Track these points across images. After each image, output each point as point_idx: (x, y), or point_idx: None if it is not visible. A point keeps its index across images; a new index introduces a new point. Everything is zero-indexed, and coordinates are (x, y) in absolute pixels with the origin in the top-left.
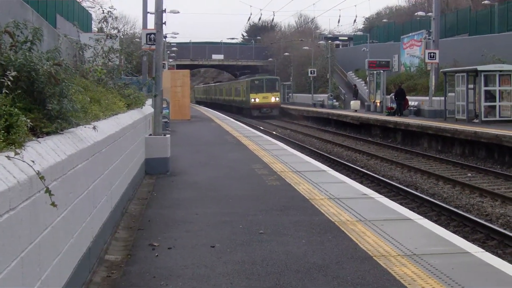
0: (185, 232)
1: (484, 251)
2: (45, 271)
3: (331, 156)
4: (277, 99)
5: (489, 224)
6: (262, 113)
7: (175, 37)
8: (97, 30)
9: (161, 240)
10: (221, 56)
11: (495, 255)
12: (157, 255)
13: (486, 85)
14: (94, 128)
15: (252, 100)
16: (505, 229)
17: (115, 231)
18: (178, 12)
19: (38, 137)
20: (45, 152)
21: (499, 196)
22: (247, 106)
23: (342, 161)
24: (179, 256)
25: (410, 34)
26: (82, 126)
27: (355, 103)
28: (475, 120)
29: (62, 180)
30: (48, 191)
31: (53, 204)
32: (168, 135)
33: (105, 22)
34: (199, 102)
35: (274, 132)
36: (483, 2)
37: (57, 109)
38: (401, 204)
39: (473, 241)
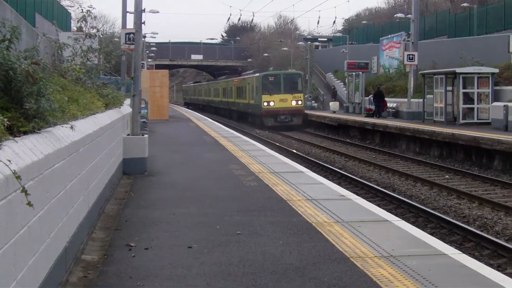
0: (162, 233)
1: (461, 252)
2: (21, 271)
3: (309, 157)
4: (300, 102)
5: (466, 226)
6: (279, 122)
7: (155, 37)
8: (76, 29)
9: (138, 241)
10: (200, 56)
11: (472, 257)
12: (134, 256)
13: (464, 87)
14: (71, 127)
15: (265, 104)
16: (482, 231)
17: (92, 231)
18: (157, 12)
19: (15, 136)
20: (22, 151)
21: (477, 198)
22: (257, 112)
23: (320, 162)
24: (156, 257)
25: (389, 36)
26: (60, 126)
27: (334, 104)
28: (457, 122)
29: (39, 180)
30: (24, 190)
31: (29, 203)
32: (146, 135)
33: (84, 22)
34: (188, 104)
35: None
36: (462, 5)
37: (35, 108)
38: (378, 205)
39: (450, 242)
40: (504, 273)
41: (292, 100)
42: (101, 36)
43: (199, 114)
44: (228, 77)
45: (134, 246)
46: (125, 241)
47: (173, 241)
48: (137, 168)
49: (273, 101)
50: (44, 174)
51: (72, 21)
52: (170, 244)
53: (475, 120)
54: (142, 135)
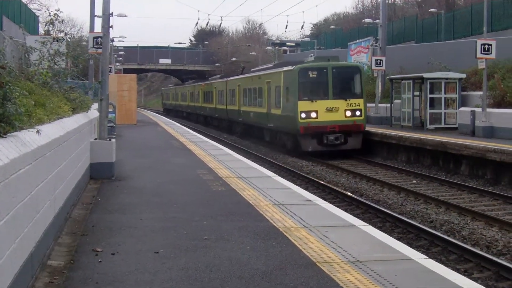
0: (129, 238)
1: (427, 258)
2: None
3: (276, 162)
4: (359, 113)
5: (433, 231)
6: (325, 145)
7: (123, 41)
8: (43, 32)
9: (104, 246)
10: (168, 61)
11: (438, 262)
12: (100, 261)
13: (431, 92)
14: (37, 132)
15: (303, 115)
16: (448, 235)
17: (59, 236)
18: (125, 16)
19: None
20: None
21: (444, 203)
22: (287, 129)
23: (287, 167)
24: (122, 262)
25: (357, 40)
26: (26, 130)
27: None
28: (424, 127)
29: (4, 185)
30: None
31: None
32: (113, 140)
33: (51, 25)
34: (169, 111)
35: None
36: (430, 10)
37: (0, 112)
38: (345, 210)
39: (417, 247)
40: (471, 278)
41: (346, 110)
42: (68, 39)
43: (167, 119)
44: (222, 76)
45: (100, 251)
46: (92, 247)
47: (140, 246)
48: (104, 173)
49: (316, 112)
50: (9, 178)
51: (39, 24)
52: (137, 249)
53: (443, 125)
54: (110, 140)
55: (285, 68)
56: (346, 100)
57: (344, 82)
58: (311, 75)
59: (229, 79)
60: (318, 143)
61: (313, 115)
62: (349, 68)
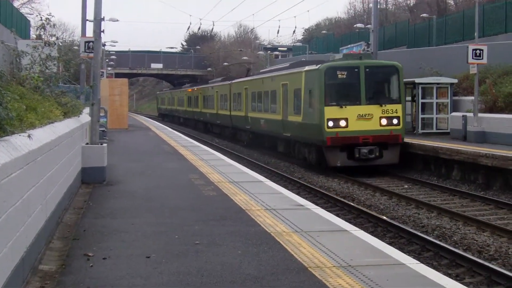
0: (120, 242)
1: (419, 262)
2: None
3: (268, 167)
4: (396, 121)
5: (425, 235)
6: (357, 159)
7: (114, 45)
8: (35, 37)
9: (96, 250)
10: (160, 65)
11: (430, 267)
12: (91, 265)
13: (423, 97)
14: (29, 136)
15: (330, 124)
16: (440, 240)
17: (50, 240)
18: (117, 21)
19: None
20: None
21: (435, 208)
22: (313, 140)
23: (279, 172)
24: (114, 266)
25: (349, 45)
26: (17, 134)
27: None
28: (416, 132)
29: None
30: None
31: None
32: (105, 144)
33: (43, 29)
34: (165, 116)
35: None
36: (421, 15)
37: None
38: (337, 215)
39: (409, 252)
40: (462, 283)
41: (381, 118)
42: (60, 44)
43: (159, 123)
44: (225, 79)
45: (92, 256)
46: (83, 251)
47: (131, 250)
48: (96, 177)
49: (346, 119)
50: (1, 183)
51: (31, 28)
52: (128, 254)
53: (434, 130)
54: (101, 144)
55: (307, 68)
56: (381, 106)
57: (379, 84)
58: (340, 76)
59: (233, 81)
60: (347, 158)
61: (342, 123)
62: (385, 68)
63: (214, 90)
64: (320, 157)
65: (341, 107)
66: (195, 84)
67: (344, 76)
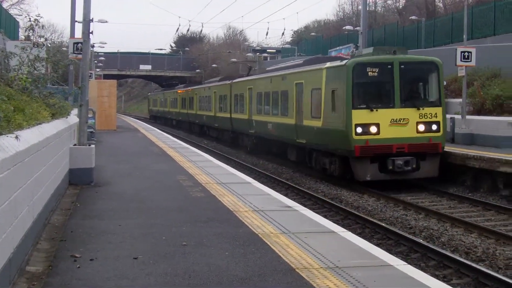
0: (107, 244)
1: (406, 264)
2: None
3: (256, 168)
4: (435, 127)
5: (413, 237)
6: (390, 172)
7: (103, 47)
8: (23, 38)
9: (83, 252)
10: (148, 67)
11: (417, 268)
12: (79, 267)
13: None
14: (16, 137)
15: (358, 130)
16: (428, 242)
17: (37, 242)
18: (106, 22)
19: None
20: None
21: (423, 209)
22: (337, 149)
23: (267, 174)
24: (101, 268)
25: (338, 47)
26: (5, 135)
27: None
28: None
29: None
30: None
31: None
32: (93, 145)
33: (31, 30)
34: (156, 118)
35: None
36: (410, 18)
37: None
38: (325, 216)
39: (397, 254)
40: (450, 284)
41: (418, 123)
42: (49, 45)
43: (147, 125)
44: (224, 79)
45: (79, 257)
46: (70, 252)
47: (118, 252)
48: (83, 179)
49: (377, 125)
50: None
51: (20, 29)
52: (115, 255)
53: None
54: (89, 145)
55: (329, 64)
56: (418, 109)
57: (416, 84)
58: (370, 73)
59: (234, 81)
60: (379, 170)
61: (373, 129)
62: (423, 64)
63: (212, 91)
64: (344, 168)
65: (372, 110)
66: (190, 84)
67: (376, 74)
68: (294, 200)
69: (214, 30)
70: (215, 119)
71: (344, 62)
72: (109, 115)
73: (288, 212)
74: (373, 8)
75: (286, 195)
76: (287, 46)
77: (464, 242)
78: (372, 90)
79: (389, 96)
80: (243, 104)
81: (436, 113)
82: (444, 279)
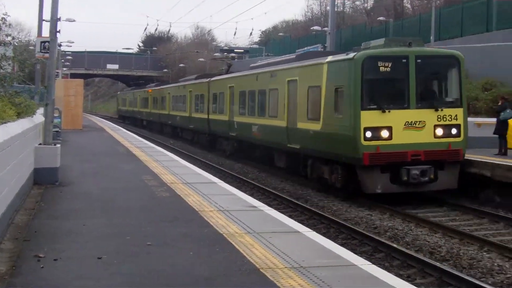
0: (72, 243)
1: (370, 263)
2: None
3: (222, 168)
4: (455, 131)
5: (377, 237)
6: (405, 183)
7: (70, 46)
8: None
9: (47, 252)
10: (116, 66)
11: (382, 268)
12: (42, 267)
13: None
14: None
15: (368, 134)
16: (392, 241)
17: (0, 242)
18: (74, 21)
19: None
20: None
21: (388, 209)
22: (341, 156)
23: (233, 173)
24: (65, 268)
25: (305, 48)
26: None
27: None
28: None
29: None
30: None
31: None
32: (58, 145)
33: None
34: (126, 119)
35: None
36: (378, 19)
37: None
38: (290, 216)
39: (361, 253)
40: (414, 284)
41: (436, 126)
42: (15, 44)
43: (114, 124)
44: (201, 76)
45: (43, 257)
46: (34, 252)
47: (83, 252)
48: (48, 178)
49: (390, 129)
50: None
51: None
52: (80, 255)
53: None
54: (55, 145)
55: (332, 58)
56: (436, 111)
57: (434, 81)
58: (382, 69)
59: (213, 79)
60: (391, 181)
61: (385, 134)
62: (443, 58)
63: (187, 90)
64: (348, 178)
65: (384, 111)
66: (163, 83)
67: (388, 69)
68: (259, 200)
69: (182, 30)
70: (190, 120)
71: (352, 55)
72: (76, 114)
73: (253, 212)
74: (341, 8)
75: (251, 195)
76: (255, 46)
77: (429, 242)
78: (384, 88)
79: (403, 95)
80: (223, 104)
81: (456, 115)
82: (408, 278)
